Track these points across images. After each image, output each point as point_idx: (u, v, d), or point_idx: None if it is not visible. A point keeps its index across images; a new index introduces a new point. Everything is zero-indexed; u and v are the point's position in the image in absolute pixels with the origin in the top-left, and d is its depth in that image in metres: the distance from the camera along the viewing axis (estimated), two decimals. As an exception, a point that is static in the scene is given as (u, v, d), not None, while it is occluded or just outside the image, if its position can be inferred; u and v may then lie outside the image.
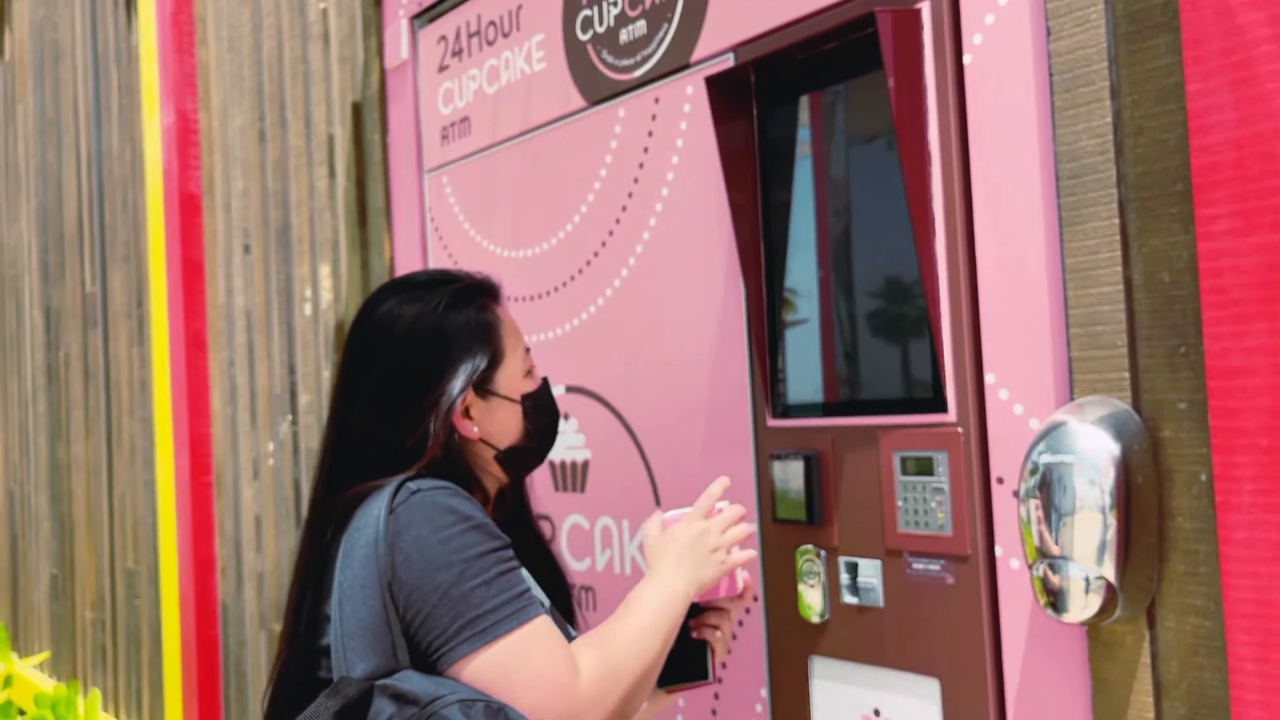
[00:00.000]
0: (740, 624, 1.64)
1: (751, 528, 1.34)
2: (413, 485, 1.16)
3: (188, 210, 3.31)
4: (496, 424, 1.27)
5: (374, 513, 1.15)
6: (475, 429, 1.25)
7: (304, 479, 2.83)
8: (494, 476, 1.31)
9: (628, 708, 1.16)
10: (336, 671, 1.10)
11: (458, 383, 1.22)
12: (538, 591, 1.28)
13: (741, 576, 1.36)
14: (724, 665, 1.67)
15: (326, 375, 2.71)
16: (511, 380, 1.28)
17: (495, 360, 1.26)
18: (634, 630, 1.19)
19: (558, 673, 1.10)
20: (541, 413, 1.30)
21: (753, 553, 1.34)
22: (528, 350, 1.32)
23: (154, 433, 3.60)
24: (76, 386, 4.48)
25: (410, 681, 1.05)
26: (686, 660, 1.31)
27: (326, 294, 2.71)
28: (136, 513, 3.82)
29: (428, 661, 1.10)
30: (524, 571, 1.19)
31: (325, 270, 2.71)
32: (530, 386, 1.31)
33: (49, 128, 4.85)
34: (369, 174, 2.53)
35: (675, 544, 1.28)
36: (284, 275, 2.92)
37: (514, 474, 1.32)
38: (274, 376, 2.97)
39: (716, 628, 1.33)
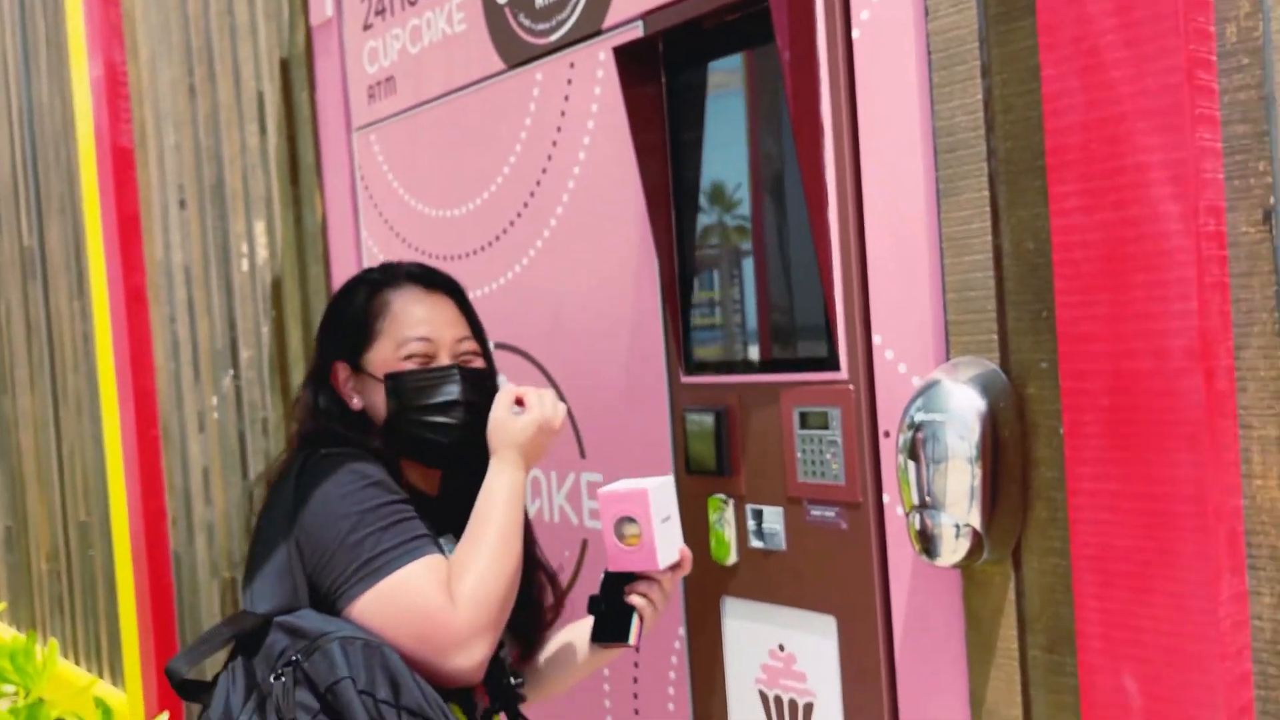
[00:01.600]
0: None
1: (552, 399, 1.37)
2: (324, 450, 1.28)
3: (121, 164, 3.30)
4: (371, 400, 1.37)
5: (290, 474, 1.29)
6: (357, 400, 1.37)
7: (248, 432, 2.89)
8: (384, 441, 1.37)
9: (504, 615, 1.24)
10: (244, 607, 1.23)
11: (328, 355, 1.39)
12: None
13: (677, 549, 1.37)
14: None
15: (266, 331, 2.75)
16: (382, 361, 1.35)
17: (366, 341, 1.36)
18: (495, 544, 1.24)
19: (435, 605, 1.18)
20: (404, 393, 1.33)
21: (651, 606, 1.36)
22: (423, 339, 1.36)
23: (99, 387, 3.62)
24: (19, 340, 4.47)
25: (306, 619, 1.17)
26: (615, 622, 1.35)
27: (263, 250, 2.74)
28: (86, 466, 3.85)
29: (328, 605, 1.20)
30: (416, 521, 1.25)
31: (260, 227, 2.74)
32: (401, 367, 1.35)
33: (-23, 77, 4.76)
34: (299, 131, 2.55)
35: (508, 434, 1.31)
36: (220, 231, 2.94)
37: (410, 454, 1.36)
38: (215, 332, 3.00)
39: (646, 595, 1.35)
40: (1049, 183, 1.13)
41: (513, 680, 1.33)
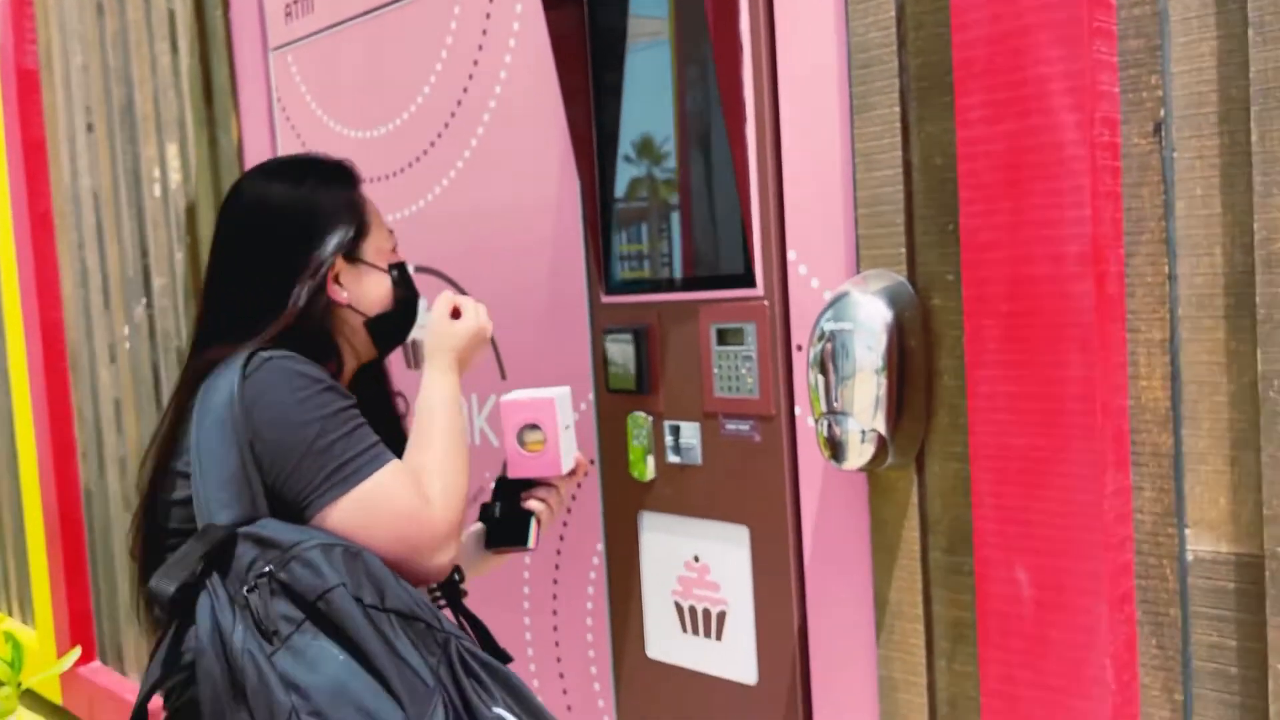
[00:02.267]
0: (574, 498, 1.77)
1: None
2: (264, 354, 1.22)
3: (25, 86, 3.18)
4: (365, 291, 1.33)
5: (228, 378, 1.21)
6: (344, 294, 1.31)
7: (162, 362, 2.84)
8: (355, 350, 1.36)
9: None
10: (201, 520, 1.16)
11: (328, 248, 1.29)
12: None
13: (574, 456, 1.40)
14: (563, 532, 1.80)
15: (180, 258, 2.69)
16: (380, 251, 1.35)
17: (362, 231, 1.33)
18: (449, 444, 1.27)
19: (415, 507, 1.19)
20: (408, 283, 1.37)
21: (548, 509, 1.38)
22: (390, 231, 1.38)
23: (3, 318, 3.52)
24: (-82, 272, 4.30)
25: (271, 529, 1.13)
26: (512, 527, 1.38)
27: (175, 174, 2.67)
28: (-9, 399, 3.75)
29: (294, 513, 1.17)
30: (369, 426, 1.24)
31: (173, 150, 2.67)
32: (397, 258, 1.38)
33: None
34: (213, 51, 2.49)
35: (441, 339, 1.34)
36: (130, 155, 2.85)
37: (381, 345, 1.38)
38: (126, 259, 2.93)
39: (544, 500, 1.38)
40: (956, 94, 1.17)
41: (456, 577, 1.34)
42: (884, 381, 1.27)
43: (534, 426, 1.36)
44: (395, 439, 1.47)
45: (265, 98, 2.35)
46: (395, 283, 1.35)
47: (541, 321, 1.80)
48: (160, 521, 1.22)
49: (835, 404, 1.29)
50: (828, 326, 1.30)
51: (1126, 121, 1.11)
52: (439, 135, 1.95)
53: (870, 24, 1.31)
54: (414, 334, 1.40)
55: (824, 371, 1.30)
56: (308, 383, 1.19)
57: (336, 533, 1.14)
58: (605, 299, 1.69)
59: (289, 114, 2.30)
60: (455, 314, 1.37)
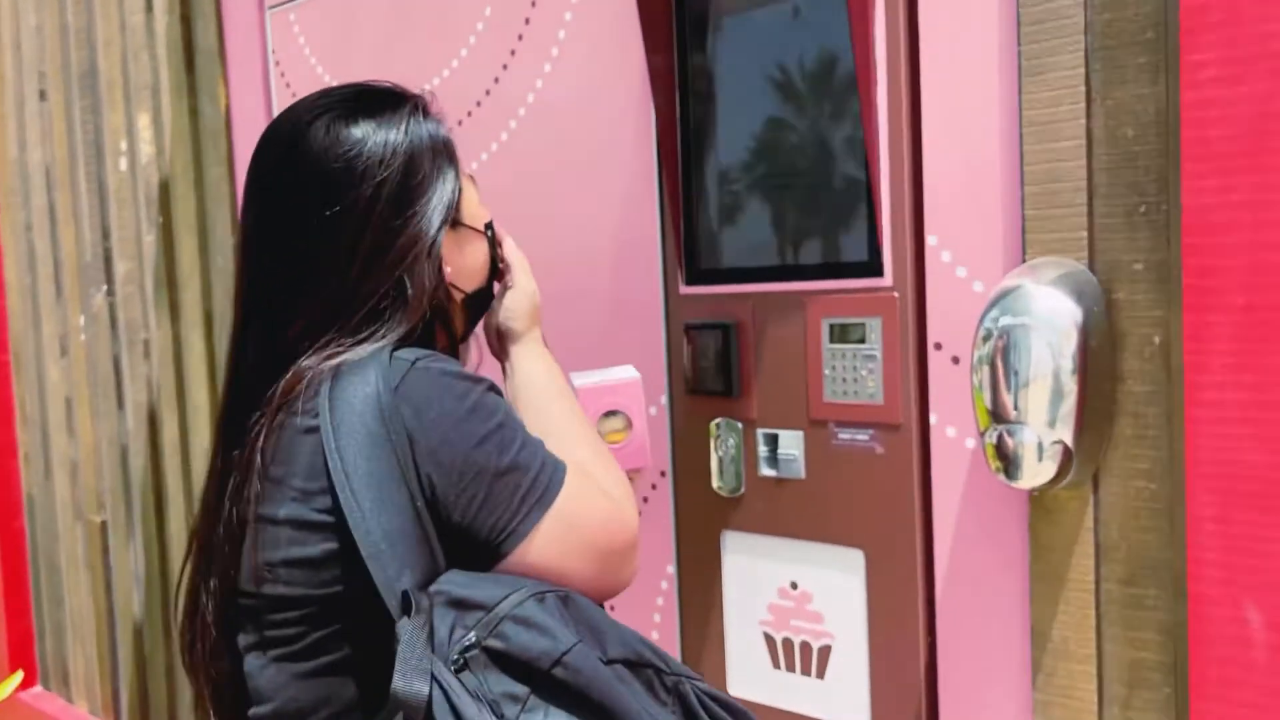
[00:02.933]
0: (644, 500, 1.56)
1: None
2: (403, 356, 0.95)
3: (-35, 48, 2.85)
4: (465, 262, 1.08)
5: (363, 393, 0.92)
6: (449, 268, 1.05)
7: (125, 356, 2.55)
8: (443, 332, 1.09)
9: None
10: (382, 584, 0.87)
11: (436, 215, 1.01)
12: None
13: (646, 450, 1.27)
14: (626, 543, 1.59)
15: (150, 240, 2.41)
16: (474, 207, 1.09)
17: (458, 192, 1.05)
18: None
19: (609, 510, 0.98)
20: (495, 242, 1.14)
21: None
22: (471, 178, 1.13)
23: (-65, 305, 3.17)
24: None
25: (460, 584, 0.88)
26: None
27: (147, 146, 2.39)
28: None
29: (486, 552, 0.92)
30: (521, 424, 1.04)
31: (144, 120, 2.39)
32: (487, 215, 1.13)
33: None
34: (195, 9, 2.22)
35: (524, 316, 1.15)
36: (92, 126, 2.56)
37: (472, 325, 1.13)
38: (83, 242, 2.63)
39: None
40: (1182, 50, 0.99)
41: None
42: (1073, 388, 1.09)
43: (615, 413, 1.24)
44: None
45: (261, 61, 2.09)
46: (491, 245, 1.12)
47: (611, 312, 1.59)
48: (249, 587, 0.94)
49: (1008, 413, 1.11)
50: (1001, 321, 1.11)
51: (1397, 83, 0.95)
52: (478, 104, 1.73)
53: (1048, -28, 1.13)
54: None
55: (994, 374, 1.11)
56: (469, 387, 0.94)
57: (535, 569, 0.92)
58: (685, 289, 1.48)
59: (289, 80, 2.05)
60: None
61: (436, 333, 1.06)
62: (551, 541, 0.93)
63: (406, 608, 0.84)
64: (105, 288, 2.58)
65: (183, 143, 2.28)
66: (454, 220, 1.05)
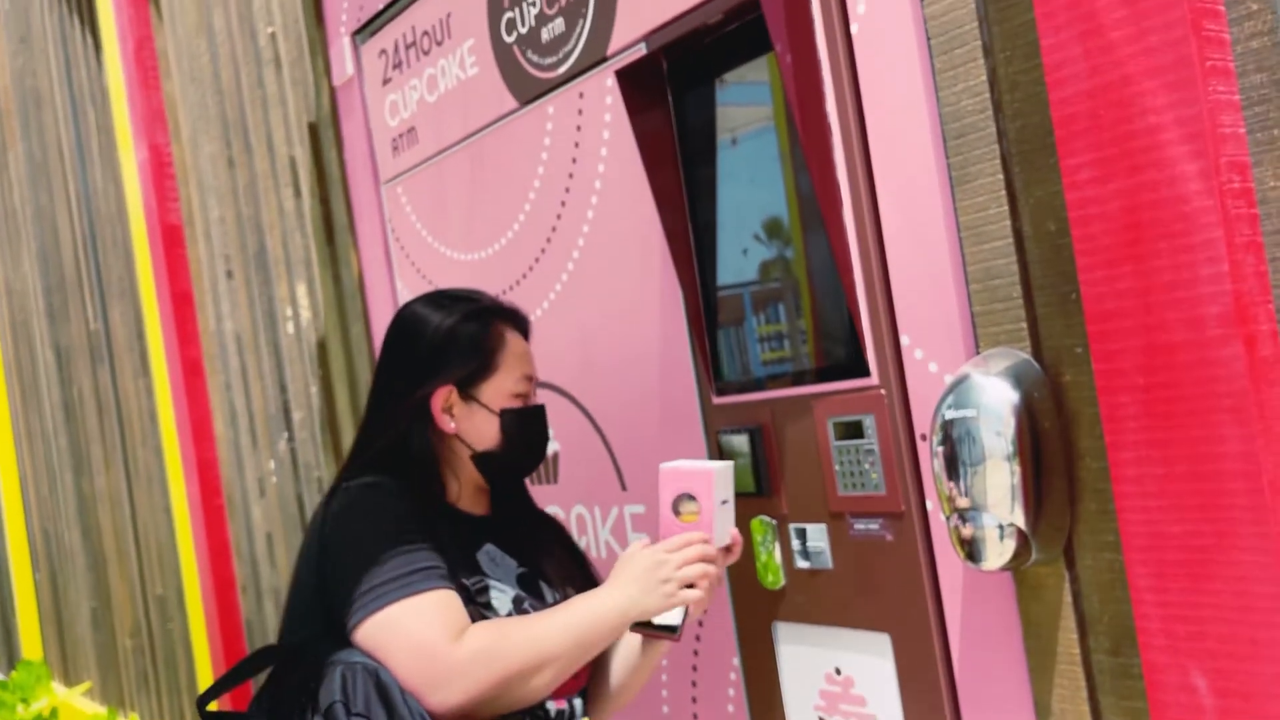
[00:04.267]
0: (705, 610, 1.69)
1: (709, 567, 1.34)
2: (355, 481, 1.34)
3: (171, 241, 3.38)
4: (474, 426, 1.41)
5: (322, 505, 1.37)
6: (452, 424, 1.40)
7: (305, 494, 2.91)
8: (467, 476, 1.45)
9: (514, 692, 1.25)
10: (284, 638, 1.32)
11: (437, 379, 1.39)
12: (502, 576, 1.42)
13: (730, 533, 1.38)
14: (697, 646, 1.72)
15: (315, 391, 2.77)
16: (497, 394, 1.41)
17: (485, 370, 1.40)
18: (545, 628, 1.28)
19: (432, 640, 1.23)
20: (519, 429, 1.42)
21: (699, 593, 1.33)
22: (530, 378, 1.45)
23: (165, 460, 3.69)
24: (92, 421, 4.58)
25: (324, 647, 1.25)
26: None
27: (305, 312, 2.77)
28: (160, 540, 3.92)
29: (341, 630, 1.26)
30: (427, 553, 1.30)
31: (302, 289, 2.78)
32: (515, 404, 1.43)
33: (39, 172, 4.95)
34: (331, 191, 2.59)
35: (632, 566, 1.33)
36: (265, 297, 2.98)
37: (491, 478, 1.45)
38: (267, 396, 3.04)
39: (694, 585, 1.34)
40: (1060, 156, 1.08)
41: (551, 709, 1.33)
42: (1017, 469, 1.16)
43: (690, 497, 1.36)
44: (533, 551, 1.47)
45: (380, 230, 2.41)
46: (503, 427, 1.41)
47: (656, 427, 1.75)
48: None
49: (966, 499, 1.19)
50: (949, 414, 1.20)
51: (1259, 163, 1.00)
52: (542, 250, 1.95)
53: (961, 91, 1.24)
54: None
55: (950, 464, 1.20)
56: (381, 512, 1.29)
57: (364, 650, 1.23)
58: (717, 400, 1.63)
59: (403, 244, 2.35)
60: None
61: (445, 477, 1.34)
62: (374, 636, 1.24)
63: (251, 656, 1.27)
64: (286, 435, 2.96)
65: (331, 306, 2.63)
66: (469, 394, 1.39)
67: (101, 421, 4.47)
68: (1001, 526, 1.17)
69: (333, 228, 2.61)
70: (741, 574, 1.62)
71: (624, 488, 1.84)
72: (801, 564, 1.52)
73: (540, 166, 1.93)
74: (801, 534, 1.51)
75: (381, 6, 2.29)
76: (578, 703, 1.41)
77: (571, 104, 1.84)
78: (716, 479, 1.34)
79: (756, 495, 1.56)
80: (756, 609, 1.60)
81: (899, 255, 1.34)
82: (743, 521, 1.59)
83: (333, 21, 2.47)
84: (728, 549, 1.38)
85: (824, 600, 1.49)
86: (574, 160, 1.85)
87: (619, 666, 1.47)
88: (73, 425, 4.88)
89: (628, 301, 1.77)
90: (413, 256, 2.33)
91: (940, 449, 1.21)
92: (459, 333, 1.42)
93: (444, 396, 1.40)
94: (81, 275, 4.46)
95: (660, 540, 1.36)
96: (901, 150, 1.32)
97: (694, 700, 1.76)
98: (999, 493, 1.17)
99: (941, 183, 1.28)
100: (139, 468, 4.09)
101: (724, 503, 1.36)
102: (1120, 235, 1.03)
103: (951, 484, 1.20)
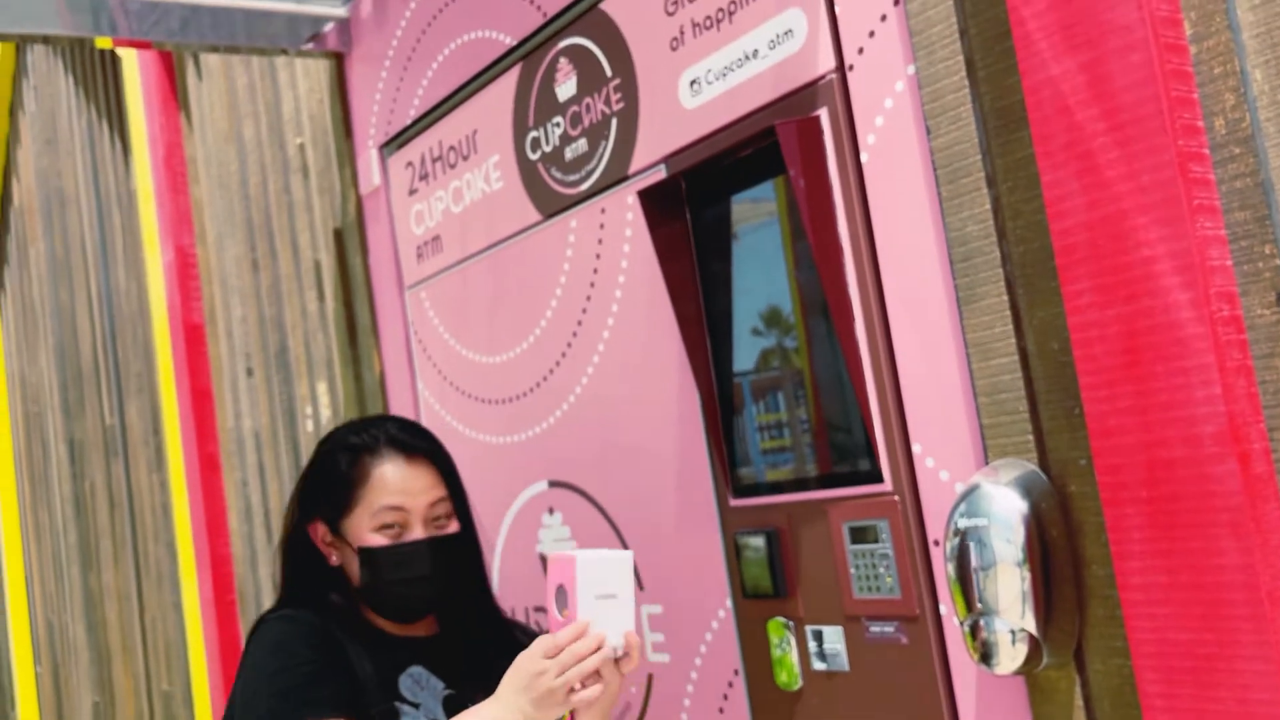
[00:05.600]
0: (721, 710, 1.72)
1: (598, 660, 1.25)
2: (264, 617, 1.45)
3: (193, 340, 3.46)
4: (346, 563, 1.49)
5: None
6: (335, 557, 1.49)
7: (320, 589, 2.93)
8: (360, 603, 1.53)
9: None
10: None
11: (315, 514, 1.49)
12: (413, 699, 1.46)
13: (624, 634, 1.28)
14: (715, 739, 1.75)
15: (332, 488, 2.82)
16: (358, 529, 1.46)
17: (345, 507, 1.47)
18: None
19: None
20: (376, 568, 1.45)
21: (591, 693, 1.26)
22: (397, 509, 1.47)
23: (178, 556, 3.72)
24: (103, 515, 4.62)
25: None
26: None
27: (326, 410, 2.84)
28: (168, 636, 3.92)
29: None
30: (316, 687, 1.34)
31: (323, 388, 2.85)
32: (376, 541, 1.46)
33: (60, 269, 5.07)
34: (355, 294, 2.68)
35: (519, 675, 1.27)
36: (285, 395, 3.05)
37: (384, 615, 1.49)
38: (284, 493, 3.09)
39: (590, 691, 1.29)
40: (1061, 282, 1.16)
41: None
42: (1028, 576, 1.21)
43: (608, 595, 1.25)
44: (472, 671, 1.52)
45: (403, 334, 2.50)
46: (362, 564, 1.46)
47: (673, 528, 1.81)
48: None
49: (979, 604, 1.24)
50: (961, 523, 1.26)
51: (1246, 293, 1.08)
52: (563, 355, 2.03)
53: (966, 218, 1.33)
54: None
55: (963, 570, 1.25)
56: (279, 644, 1.37)
57: None
58: (734, 502, 1.68)
59: (425, 346, 2.43)
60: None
61: (353, 601, 1.48)
62: None
63: None
64: (302, 531, 3.00)
65: (351, 405, 2.70)
66: (337, 530, 1.48)
67: (113, 516, 4.50)
68: (1014, 631, 1.22)
69: (355, 329, 2.69)
70: (757, 674, 1.66)
71: (641, 587, 1.89)
72: (818, 665, 1.56)
73: (562, 275, 2.02)
74: (818, 636, 1.55)
75: (409, 122, 2.41)
76: None
77: (594, 218, 1.93)
78: (580, 569, 1.20)
79: (774, 597, 1.61)
80: (773, 710, 1.63)
81: (910, 368, 1.41)
82: (760, 623, 1.64)
83: (361, 134, 2.59)
84: (621, 657, 1.28)
85: (841, 703, 1.53)
86: (595, 270, 1.94)
87: None
88: (82, 519, 4.91)
89: (646, 406, 1.84)
90: (434, 358, 2.41)
91: (954, 555, 1.26)
92: (325, 469, 1.51)
93: (320, 531, 1.50)
94: (99, 370, 4.54)
95: (546, 635, 1.27)
96: (911, 271, 1.40)
97: (711, 802, 1.78)
98: (1010, 598, 1.22)
99: (950, 302, 1.36)
100: (150, 563, 4.11)
101: (604, 597, 1.22)
102: (1120, 357, 1.11)
103: (964, 590, 1.25)
